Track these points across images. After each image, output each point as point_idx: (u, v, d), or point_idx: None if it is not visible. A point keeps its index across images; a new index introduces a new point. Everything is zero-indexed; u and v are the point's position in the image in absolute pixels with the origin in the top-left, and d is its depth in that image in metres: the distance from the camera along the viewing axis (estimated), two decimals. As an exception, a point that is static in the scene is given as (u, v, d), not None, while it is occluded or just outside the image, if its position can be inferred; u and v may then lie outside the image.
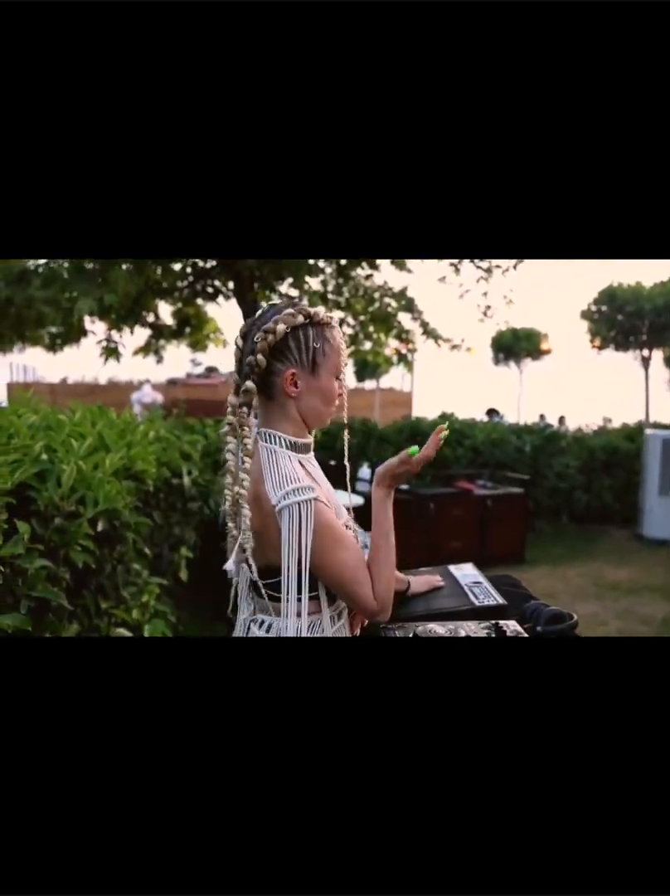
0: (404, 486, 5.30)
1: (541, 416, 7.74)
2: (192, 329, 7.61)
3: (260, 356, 1.07)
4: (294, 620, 1.10)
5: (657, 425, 8.45)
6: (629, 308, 15.59)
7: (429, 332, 6.83)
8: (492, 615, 1.37)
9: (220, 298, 6.83)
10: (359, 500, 4.72)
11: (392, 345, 7.21)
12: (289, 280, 6.32)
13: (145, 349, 7.38)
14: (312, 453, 1.20)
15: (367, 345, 7.65)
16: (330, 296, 7.47)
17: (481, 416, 8.13)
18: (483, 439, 6.46)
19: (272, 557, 1.08)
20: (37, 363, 15.91)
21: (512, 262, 6.54)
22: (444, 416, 7.02)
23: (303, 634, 1.11)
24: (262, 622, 1.17)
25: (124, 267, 4.88)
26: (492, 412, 8.59)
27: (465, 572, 1.63)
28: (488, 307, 6.77)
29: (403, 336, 7.02)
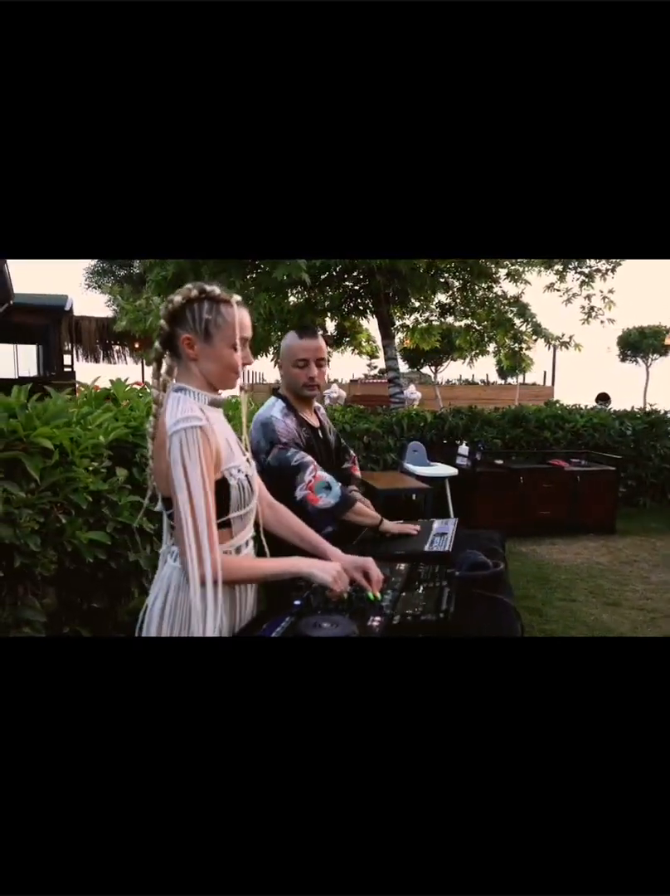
0: (498, 461, 4.89)
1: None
2: (350, 338, 7.64)
3: (162, 321, 1.02)
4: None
5: None
6: None
7: (538, 332, 6.20)
8: (437, 560, 1.23)
9: (369, 313, 6.76)
10: (453, 471, 4.47)
11: (510, 345, 6.64)
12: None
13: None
14: (220, 411, 1.09)
15: (492, 347, 7.13)
16: (458, 307, 7.07)
17: (592, 403, 7.17)
18: (584, 423, 5.71)
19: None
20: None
21: (610, 265, 5.66)
22: (547, 403, 6.31)
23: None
24: (175, 553, 1.03)
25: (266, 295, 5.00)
26: (603, 398, 7.55)
27: (442, 526, 1.49)
28: (592, 308, 5.96)
29: (518, 337, 6.44)
